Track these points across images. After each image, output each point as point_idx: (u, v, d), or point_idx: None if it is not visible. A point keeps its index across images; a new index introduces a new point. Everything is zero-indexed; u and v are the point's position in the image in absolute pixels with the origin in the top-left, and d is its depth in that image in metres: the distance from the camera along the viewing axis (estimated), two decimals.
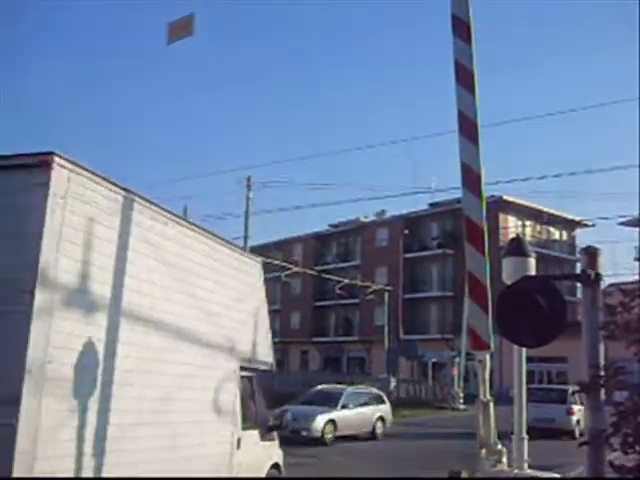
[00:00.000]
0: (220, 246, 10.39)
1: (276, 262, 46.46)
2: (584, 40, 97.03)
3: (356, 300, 66.37)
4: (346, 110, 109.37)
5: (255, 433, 11.19)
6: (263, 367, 11.72)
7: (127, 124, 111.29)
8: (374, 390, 31.39)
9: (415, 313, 67.89)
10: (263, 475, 11.41)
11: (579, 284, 6.13)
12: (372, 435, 27.64)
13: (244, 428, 10.66)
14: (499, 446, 8.77)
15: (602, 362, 5.34)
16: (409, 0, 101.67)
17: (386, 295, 54.98)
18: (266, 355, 11.82)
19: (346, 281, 56.54)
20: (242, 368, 10.65)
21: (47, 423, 6.33)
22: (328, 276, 58.69)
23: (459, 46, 7.76)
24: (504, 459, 8.64)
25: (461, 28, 7.74)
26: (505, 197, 57.35)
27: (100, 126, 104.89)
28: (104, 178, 7.48)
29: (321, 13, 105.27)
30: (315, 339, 72.41)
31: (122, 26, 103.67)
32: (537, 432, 23.85)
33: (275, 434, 12.09)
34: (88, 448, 7.07)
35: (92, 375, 7.11)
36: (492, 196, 49.43)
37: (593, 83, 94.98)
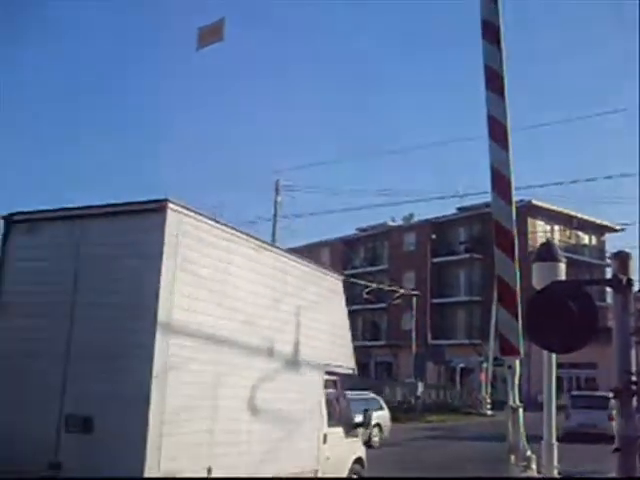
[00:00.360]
0: (310, 270, 12.00)
1: None
2: (609, 40, 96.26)
3: (383, 304, 66.08)
4: (375, 113, 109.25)
5: (339, 430, 12.49)
6: (346, 371, 12.97)
7: (154, 126, 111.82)
8: (371, 395, 30.11)
9: (443, 318, 67.66)
10: (347, 468, 12.77)
11: (610, 289, 6.09)
12: (368, 444, 25.92)
13: (329, 425, 11.97)
14: (528, 452, 8.74)
15: (634, 368, 5.30)
16: (442, 2, 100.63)
17: (414, 300, 54.75)
18: (348, 361, 13.07)
19: (373, 285, 56.29)
20: (327, 373, 11.98)
21: (169, 418, 7.84)
22: (355, 280, 58.43)
23: (489, 50, 7.75)
24: (533, 465, 8.61)
25: (491, 32, 7.73)
26: (534, 201, 57.00)
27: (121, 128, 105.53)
28: (208, 217, 9.12)
29: (344, 13, 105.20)
30: None
31: (146, 26, 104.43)
32: (580, 437, 25.06)
33: (358, 431, 13.48)
34: (200, 439, 8.56)
35: (201, 379, 8.59)
36: (521, 200, 49.14)
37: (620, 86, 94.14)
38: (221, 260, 9.18)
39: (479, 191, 55.49)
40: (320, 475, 11.46)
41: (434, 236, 67.33)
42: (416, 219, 71.72)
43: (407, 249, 72.04)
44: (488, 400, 44.55)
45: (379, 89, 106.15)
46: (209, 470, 8.56)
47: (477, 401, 46.03)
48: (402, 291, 56.56)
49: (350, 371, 13.20)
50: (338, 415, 12.53)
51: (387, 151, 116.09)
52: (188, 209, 8.64)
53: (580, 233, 67.87)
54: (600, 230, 68.59)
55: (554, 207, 60.76)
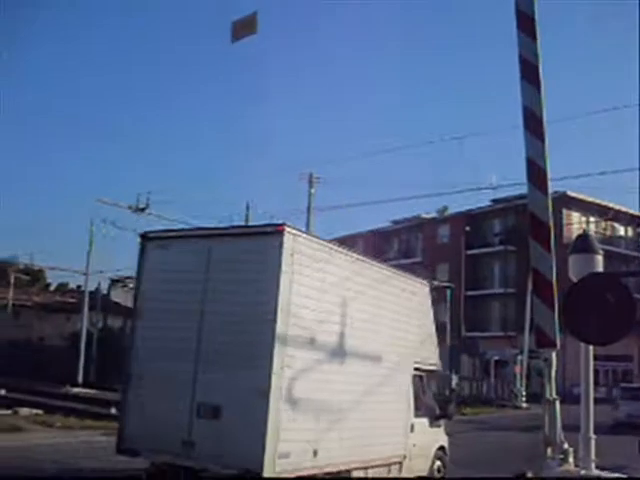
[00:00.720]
0: (397, 277, 13.32)
1: None
2: None
3: None
4: (407, 108, 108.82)
5: (425, 420, 13.96)
6: (431, 368, 14.49)
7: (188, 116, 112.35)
8: None
9: (477, 310, 67.30)
10: (431, 454, 14.20)
11: None
12: None
13: (416, 416, 13.44)
14: (565, 445, 8.66)
15: None
16: None
17: (447, 292, 54.36)
18: (433, 358, 14.67)
19: None
20: (415, 369, 13.51)
21: (284, 407, 9.46)
22: None
23: (524, 41, 7.67)
24: (570, 458, 8.53)
25: (526, 23, 7.66)
26: (569, 193, 56.45)
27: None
28: (316, 237, 11.07)
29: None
30: None
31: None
32: (629, 427, 26.20)
33: (442, 422, 14.79)
34: (309, 425, 10.12)
35: (310, 376, 10.09)
36: (555, 192, 48.56)
37: None
38: (326, 272, 10.66)
39: (513, 182, 54.82)
40: (407, 460, 12.91)
41: (468, 228, 66.96)
42: (450, 211, 71.35)
43: (441, 241, 71.75)
44: (523, 393, 44.27)
45: (416, 82, 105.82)
46: (315, 452, 10.17)
47: (512, 394, 45.73)
48: (436, 283, 56.07)
49: (435, 367, 14.69)
50: (424, 407, 13.94)
51: (417, 143, 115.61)
52: (300, 231, 10.38)
53: (616, 224, 67.06)
54: (636, 221, 67.69)
55: (589, 198, 60.12)
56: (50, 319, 55.62)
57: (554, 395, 7.93)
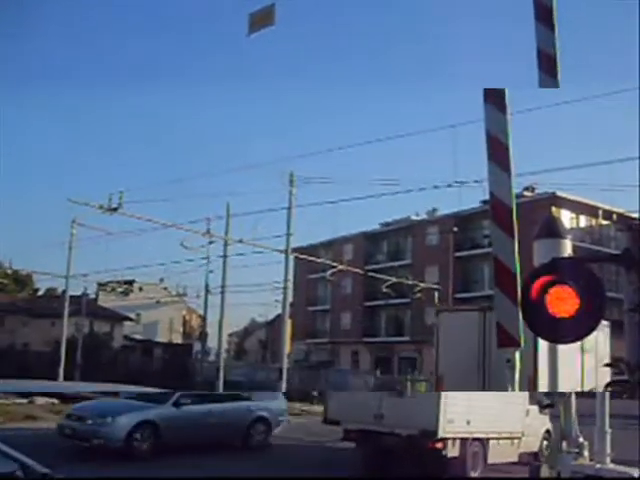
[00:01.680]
0: None
1: (319, 260, 48.74)
2: None
3: (407, 300, 64.03)
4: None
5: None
6: None
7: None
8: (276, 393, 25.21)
9: None
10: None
11: None
12: (244, 443, 19.11)
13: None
14: (581, 439, 8.65)
15: None
16: None
17: (435, 294, 53.74)
18: None
19: (393, 279, 55.08)
20: None
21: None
22: (376, 275, 56.66)
23: (542, 33, 7.59)
24: (586, 452, 8.52)
25: (544, 14, 7.58)
26: (558, 193, 56.13)
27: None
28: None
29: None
30: (366, 339, 70.80)
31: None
32: None
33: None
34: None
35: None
36: (545, 192, 47.92)
37: None
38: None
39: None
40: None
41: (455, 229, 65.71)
42: (440, 213, 70.24)
43: (430, 243, 70.62)
44: None
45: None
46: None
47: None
48: (422, 285, 55.39)
49: None
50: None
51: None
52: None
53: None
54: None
55: (578, 198, 59.60)
56: (35, 325, 55.07)
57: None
